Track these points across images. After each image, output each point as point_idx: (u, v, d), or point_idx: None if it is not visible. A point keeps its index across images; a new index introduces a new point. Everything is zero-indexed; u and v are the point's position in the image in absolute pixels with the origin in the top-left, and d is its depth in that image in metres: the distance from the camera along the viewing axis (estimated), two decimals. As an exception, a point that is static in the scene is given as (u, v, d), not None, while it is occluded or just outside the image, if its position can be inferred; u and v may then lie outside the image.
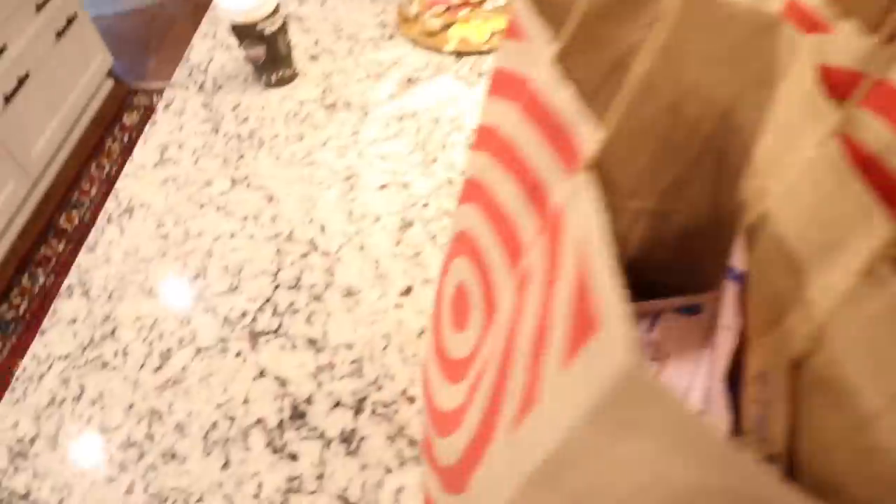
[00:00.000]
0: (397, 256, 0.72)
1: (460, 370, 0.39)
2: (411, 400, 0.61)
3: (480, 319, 0.38)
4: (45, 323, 0.71)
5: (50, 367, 0.67)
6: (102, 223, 0.81)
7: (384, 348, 0.64)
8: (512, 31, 0.37)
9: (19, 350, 1.75)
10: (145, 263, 0.76)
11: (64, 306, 0.73)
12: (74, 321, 0.71)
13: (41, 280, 1.93)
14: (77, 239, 2.03)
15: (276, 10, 0.87)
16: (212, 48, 1.05)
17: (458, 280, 0.44)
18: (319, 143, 0.87)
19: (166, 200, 0.83)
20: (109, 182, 2.19)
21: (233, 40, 0.99)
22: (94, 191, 2.18)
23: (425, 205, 0.77)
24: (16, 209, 2.01)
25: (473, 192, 0.42)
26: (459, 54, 0.97)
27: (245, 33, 0.88)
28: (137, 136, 2.30)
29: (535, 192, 0.32)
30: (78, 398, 0.64)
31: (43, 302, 1.85)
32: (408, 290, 0.69)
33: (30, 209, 2.09)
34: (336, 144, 0.86)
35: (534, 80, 0.33)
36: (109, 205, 0.83)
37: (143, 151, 0.90)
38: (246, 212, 0.79)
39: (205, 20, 1.12)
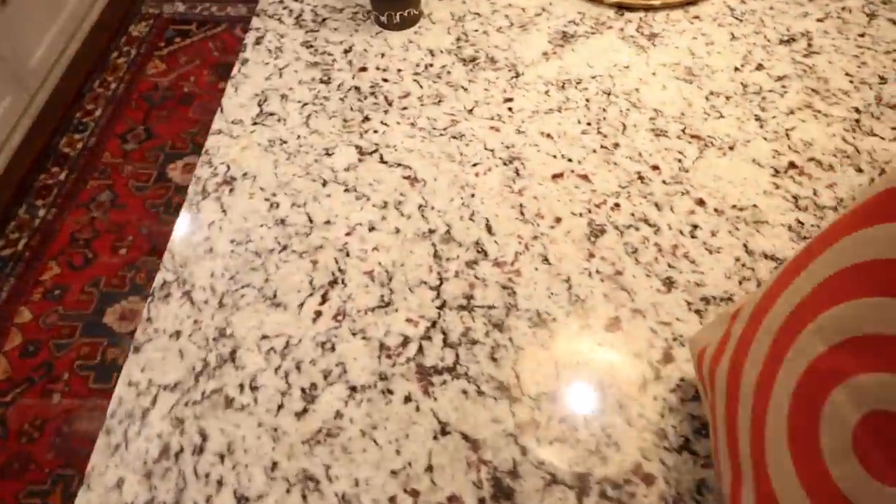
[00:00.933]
0: (593, 275, 0.57)
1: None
2: (648, 480, 0.47)
3: None
4: (139, 335, 0.55)
5: (155, 402, 0.51)
6: (196, 196, 0.64)
7: (598, 403, 0.50)
8: None
9: (19, 294, 1.56)
10: (261, 258, 0.59)
11: (162, 313, 0.56)
12: (178, 335, 0.55)
13: (41, 213, 1.71)
14: (81, 167, 1.81)
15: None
16: (306, -30, 0.85)
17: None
18: (465, 110, 0.70)
19: (276, 172, 0.65)
20: (117, 103, 1.95)
21: (343, -36, 0.79)
22: (98, 111, 1.94)
23: (616, 205, 0.61)
24: (10, 128, 1.77)
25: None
26: (621, 7, 0.79)
27: (377, -42, 0.68)
28: (149, 52, 2.05)
29: None
30: (200, 450, 0.49)
31: (45, 239, 1.65)
32: (615, 323, 0.54)
33: (25, 128, 1.85)
34: (487, 113, 0.69)
35: None
36: (202, 171, 0.66)
37: (235, 101, 0.71)
38: (384, 196, 0.63)
39: (290, -68, 0.91)
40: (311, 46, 0.76)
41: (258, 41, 0.77)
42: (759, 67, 0.73)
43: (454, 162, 0.65)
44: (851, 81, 0.71)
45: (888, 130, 0.67)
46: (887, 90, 0.70)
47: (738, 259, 0.58)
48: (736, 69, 0.73)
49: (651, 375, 0.51)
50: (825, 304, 0.32)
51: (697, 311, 0.55)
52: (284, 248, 0.59)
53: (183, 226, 0.61)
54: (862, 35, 0.76)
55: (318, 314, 0.55)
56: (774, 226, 0.60)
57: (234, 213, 0.62)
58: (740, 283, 0.56)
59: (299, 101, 0.71)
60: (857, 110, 0.68)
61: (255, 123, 0.69)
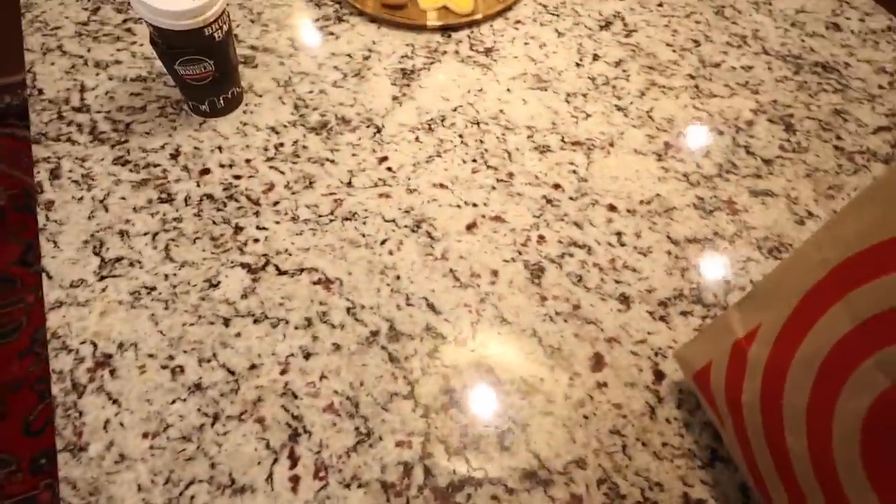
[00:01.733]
0: (555, 318, 0.55)
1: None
2: (702, 508, 0.46)
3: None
4: None
5: None
6: (65, 398, 0.50)
7: (623, 449, 0.48)
8: None
9: None
10: (193, 441, 0.48)
11: None
12: None
13: None
14: None
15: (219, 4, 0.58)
16: (72, 67, 0.70)
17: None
18: (343, 184, 0.62)
19: (159, 329, 0.53)
20: None
21: (145, 52, 0.66)
22: None
23: (540, 238, 0.60)
24: None
25: None
26: (445, 29, 0.77)
27: (185, 42, 0.58)
28: None
29: None
30: None
31: None
32: (598, 360, 0.53)
33: None
34: (367, 181, 0.63)
35: None
36: (60, 363, 0.51)
37: (60, 258, 0.57)
38: (303, 312, 0.54)
39: (29, 24, 0.74)
40: (128, 161, 0.63)
41: (54, 175, 0.62)
42: (596, 58, 0.75)
43: (360, 247, 0.58)
44: (674, 51, 0.76)
45: (723, 88, 0.72)
46: (705, 51, 0.76)
47: (669, 252, 0.59)
48: (577, 64, 0.74)
49: (654, 400, 0.51)
50: (883, 340, 0.32)
51: (662, 318, 0.55)
52: (216, 417, 0.49)
53: (66, 441, 0.48)
54: (660, 5, 0.82)
55: (296, 480, 0.46)
56: (682, 208, 0.62)
57: (130, 400, 0.49)
58: (682, 274, 0.58)
59: (146, 233, 0.58)
60: (692, 76, 0.73)
61: (102, 278, 0.56)
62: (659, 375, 0.52)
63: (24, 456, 1.24)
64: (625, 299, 0.56)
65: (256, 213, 0.60)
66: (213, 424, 0.48)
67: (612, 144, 0.67)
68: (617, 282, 0.57)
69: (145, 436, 0.48)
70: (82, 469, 0.46)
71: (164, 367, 0.51)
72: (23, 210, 1.59)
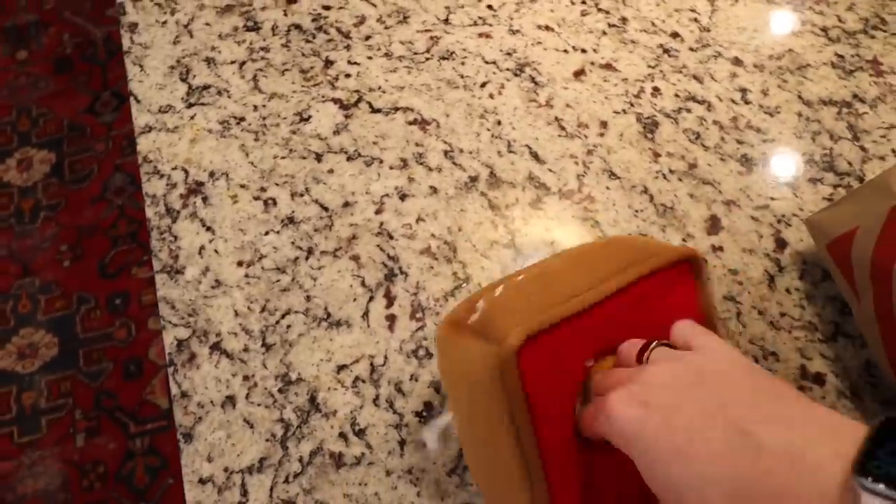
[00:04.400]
0: (669, 176, 0.50)
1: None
2: (818, 380, 0.44)
3: None
4: (181, 418, 0.42)
5: (246, 493, 0.40)
6: (160, 221, 0.49)
7: (738, 314, 0.45)
8: None
9: None
10: (287, 273, 0.47)
11: (196, 381, 0.43)
12: (232, 402, 0.43)
13: None
14: None
15: None
16: None
17: None
18: (440, 21, 0.57)
19: (250, 160, 0.51)
20: None
21: None
22: None
23: (655, 90, 0.54)
24: None
25: None
26: None
27: None
28: None
29: None
30: (337, 529, 0.39)
31: None
32: (713, 223, 0.49)
33: None
34: (466, 19, 0.57)
35: None
36: (153, 187, 0.50)
37: (147, 82, 0.54)
38: (398, 152, 0.51)
39: None
40: (213, -16, 0.59)
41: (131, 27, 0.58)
42: None
43: (458, 88, 0.54)
44: None
45: (877, -67, 0.63)
46: None
47: (799, 114, 0.53)
48: None
49: (773, 269, 0.47)
50: None
51: (788, 184, 0.50)
52: (310, 252, 0.47)
53: (163, 263, 0.47)
54: None
55: (392, 319, 0.45)
56: (817, 66, 0.55)
57: (223, 228, 0.48)
58: (813, 138, 0.52)
59: (234, 62, 0.55)
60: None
61: (190, 105, 0.53)
62: (781, 244, 0.48)
63: (100, 294, 1.30)
64: (746, 160, 0.51)
65: (347, 47, 0.56)
66: (307, 258, 0.47)
67: (741, -9, 0.59)
68: (739, 142, 0.52)
69: (240, 264, 0.47)
70: (179, 290, 0.46)
71: (256, 199, 0.49)
72: (89, 60, 1.57)
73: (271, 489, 0.40)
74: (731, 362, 0.28)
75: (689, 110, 0.53)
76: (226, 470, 0.41)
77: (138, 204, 1.38)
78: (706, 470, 0.24)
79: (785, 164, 0.51)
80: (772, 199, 0.50)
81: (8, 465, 1.19)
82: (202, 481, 0.41)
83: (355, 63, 0.55)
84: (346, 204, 0.49)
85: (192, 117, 0.52)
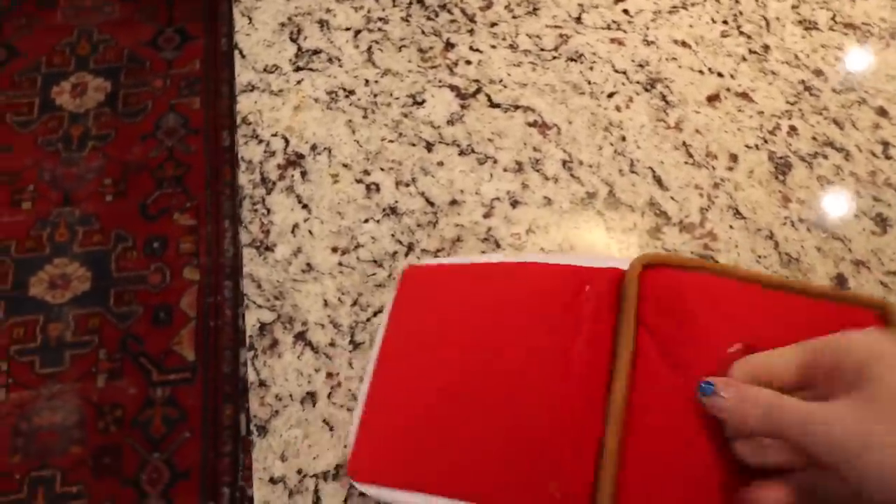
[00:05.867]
0: (797, 224, 0.47)
1: None
2: None
3: None
4: (256, 409, 0.40)
5: (319, 499, 0.38)
6: (253, 190, 0.46)
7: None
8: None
9: None
10: (384, 268, 0.44)
11: (276, 370, 0.41)
12: (313, 399, 0.40)
13: None
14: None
15: None
16: None
17: None
18: (571, 19, 0.54)
19: (356, 138, 0.48)
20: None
21: None
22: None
23: (791, 129, 0.50)
24: None
25: None
26: None
27: None
28: None
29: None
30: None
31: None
32: (839, 282, 0.45)
33: None
34: (600, 20, 0.54)
35: None
36: (249, 151, 0.47)
37: (255, 37, 0.51)
38: (514, 154, 0.48)
39: None
40: (335, -57, 0.55)
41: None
42: (892, -76, 0.60)
43: (584, 94, 0.50)
44: None
45: None
46: None
47: (944, 178, 0.49)
48: (867, -71, 0.60)
49: (901, 343, 0.44)
50: None
51: (925, 253, 0.46)
52: (410, 248, 0.44)
53: (253, 237, 0.44)
54: None
55: (490, 335, 0.42)
56: (968, 130, 0.51)
57: (320, 208, 0.45)
58: (957, 209, 0.48)
59: (348, 28, 0.52)
60: None
61: (298, 69, 0.50)
62: (912, 317, 0.44)
63: (139, 235, 1.28)
64: (882, 221, 0.47)
65: (471, 31, 0.52)
66: (406, 254, 0.44)
67: (893, 36, 0.55)
68: (876, 199, 0.48)
69: (335, 250, 0.44)
70: (268, 270, 0.43)
71: (358, 181, 0.46)
72: (158, -8, 1.53)
73: (346, 500, 0.38)
74: None
75: (825, 156, 0.49)
76: (299, 472, 0.38)
77: (188, 147, 1.35)
78: None
79: (925, 232, 0.47)
80: (907, 267, 0.46)
81: (26, 394, 1.18)
82: (273, 481, 0.38)
83: (477, 50, 0.51)
84: (454, 202, 0.46)
85: (298, 82, 0.49)
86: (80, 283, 1.25)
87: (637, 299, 0.32)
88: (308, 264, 0.44)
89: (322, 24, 0.52)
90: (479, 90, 0.50)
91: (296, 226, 0.45)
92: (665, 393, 0.31)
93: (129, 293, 1.24)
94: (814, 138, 0.50)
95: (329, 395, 0.40)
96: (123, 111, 1.39)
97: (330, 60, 0.50)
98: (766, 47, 0.54)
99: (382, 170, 0.47)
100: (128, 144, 1.36)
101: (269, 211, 0.45)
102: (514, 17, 0.53)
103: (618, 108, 0.50)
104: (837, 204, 0.48)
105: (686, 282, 0.32)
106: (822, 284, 0.33)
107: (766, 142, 0.50)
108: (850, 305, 0.33)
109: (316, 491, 0.38)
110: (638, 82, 0.51)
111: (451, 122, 0.48)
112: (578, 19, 0.53)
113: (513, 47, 0.52)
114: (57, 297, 1.25)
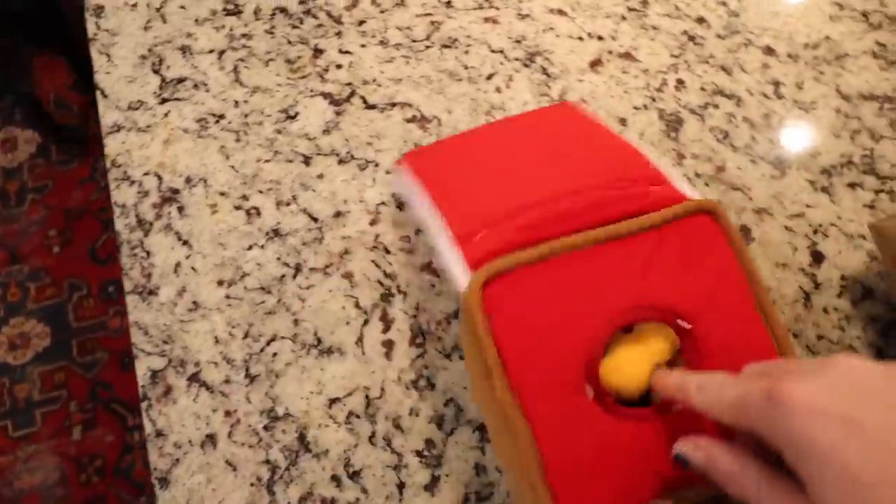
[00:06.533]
0: (694, 180, 0.46)
1: None
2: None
3: None
4: (155, 460, 0.38)
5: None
6: (130, 234, 0.44)
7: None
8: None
9: None
10: (273, 294, 0.42)
11: (172, 417, 0.39)
12: (213, 441, 0.39)
13: None
14: None
15: None
16: None
17: None
18: (441, 4, 0.52)
19: (231, 164, 0.46)
20: None
21: None
22: None
23: (679, 83, 0.49)
24: None
25: None
26: None
27: None
28: None
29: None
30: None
31: None
32: (744, 233, 0.44)
33: None
34: (470, 1, 0.52)
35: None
36: (122, 195, 0.45)
37: (115, 74, 0.49)
38: (395, 153, 0.46)
39: None
40: (190, -37, 0.53)
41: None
42: None
43: (461, 80, 0.49)
44: None
45: None
46: None
47: (837, 110, 0.48)
48: None
49: (809, 285, 0.43)
50: None
51: (824, 189, 0.45)
52: (298, 269, 0.43)
53: (134, 283, 0.43)
54: None
55: (389, 345, 0.41)
56: (857, 56, 0.50)
57: (201, 242, 0.44)
58: (853, 137, 0.47)
59: (211, 50, 0.50)
60: None
61: (164, 101, 0.48)
62: (817, 257, 0.43)
63: (92, 281, 1.26)
64: (780, 163, 0.46)
65: (338, 34, 0.50)
66: (294, 276, 0.43)
67: (774, -31, 0.53)
68: (771, 142, 0.47)
69: (220, 283, 0.43)
70: (153, 314, 0.42)
71: (237, 208, 0.45)
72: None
73: (256, 539, 0.37)
74: None
75: (716, 105, 0.48)
76: (206, 517, 0.37)
77: (128, 186, 1.32)
78: None
79: (822, 167, 0.46)
80: (807, 206, 0.45)
81: (3, 460, 1.16)
82: (181, 530, 0.37)
83: (347, 52, 0.50)
84: (338, 213, 0.44)
85: (165, 115, 0.47)
86: (39, 339, 1.23)
87: (483, 318, 0.30)
88: (194, 302, 0.42)
89: (184, 50, 0.50)
90: (352, 93, 0.48)
91: (178, 264, 0.43)
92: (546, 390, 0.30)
93: (91, 341, 1.22)
94: (702, 89, 0.49)
95: (229, 435, 0.39)
96: (57, 159, 1.36)
97: (196, 87, 0.48)
98: (645, 2, 0.52)
99: (261, 192, 0.45)
100: (67, 192, 1.33)
101: (148, 253, 0.43)
102: (381, 12, 0.51)
103: (498, 90, 0.48)
104: (733, 153, 0.47)
105: (528, 279, 0.31)
106: (650, 215, 0.32)
107: (654, 100, 0.48)
108: (684, 218, 0.33)
109: (225, 536, 0.37)
110: (517, 59, 0.50)
111: (327, 132, 0.47)
112: (448, 3, 0.52)
113: (384, 43, 0.50)
114: (19, 358, 1.22)
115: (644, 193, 0.34)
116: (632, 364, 0.31)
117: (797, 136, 0.47)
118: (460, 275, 0.32)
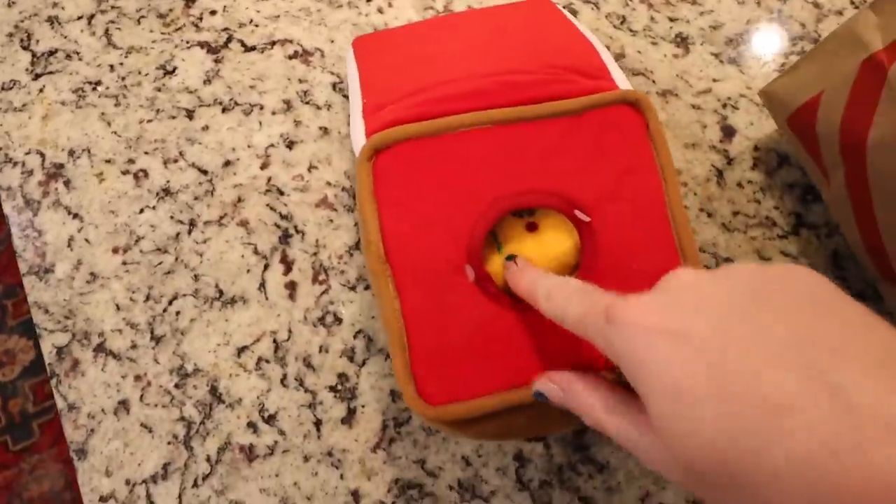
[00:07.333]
0: (592, 73, 0.43)
1: None
2: (779, 283, 0.38)
3: None
4: (71, 434, 0.38)
5: (154, 507, 0.36)
6: (18, 216, 0.43)
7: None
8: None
9: None
10: (170, 253, 0.41)
11: (82, 390, 0.38)
12: (126, 407, 0.38)
13: None
14: None
15: None
16: None
17: None
18: (314, -69, 0.49)
19: (113, 129, 0.44)
20: None
21: None
22: None
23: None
24: None
25: None
26: None
27: None
28: None
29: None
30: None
31: None
32: (646, 120, 0.42)
33: None
34: (345, -78, 0.49)
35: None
36: (6, 177, 0.44)
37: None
38: (280, 94, 0.44)
39: None
40: (48, -71, 0.50)
41: None
42: None
43: (341, 7, 0.46)
44: None
45: None
46: None
47: (738, -25, 0.45)
48: None
49: (721, 162, 0.41)
50: None
51: (732, 61, 0.43)
52: (192, 224, 0.41)
53: (29, 264, 0.41)
54: None
55: (292, 286, 0.40)
56: (755, -84, 0.47)
57: (92, 213, 0.42)
58: (758, 2, 0.45)
59: (80, 17, 0.48)
60: None
61: (37, 76, 0.46)
62: (728, 132, 0.41)
63: None
64: (682, 41, 0.44)
65: (210, -22, 0.48)
66: (189, 232, 0.41)
67: None
68: (671, 19, 0.45)
69: (115, 251, 0.41)
70: (52, 292, 0.41)
71: (124, 173, 0.43)
72: None
73: (180, 496, 0.36)
74: (800, 281, 0.20)
75: (610, -9, 0.46)
76: (128, 483, 0.37)
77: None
78: None
79: (727, 38, 0.44)
80: (714, 80, 0.43)
81: (9, 474, 1.17)
82: (103, 499, 0.36)
83: (220, -3, 0.47)
84: (227, 163, 0.43)
85: (40, 90, 0.45)
86: (24, 353, 1.23)
87: (367, 187, 0.30)
88: (91, 273, 0.41)
89: (52, 20, 0.47)
90: (230, 38, 0.46)
91: (71, 239, 0.42)
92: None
93: (75, 348, 1.22)
94: (594, -24, 0.46)
95: (141, 398, 0.38)
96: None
97: (68, 57, 0.46)
98: None
99: (147, 153, 0.43)
100: None
101: (40, 233, 0.42)
102: (252, -51, 0.49)
103: (380, 10, 0.46)
104: (632, 37, 0.44)
105: (420, 152, 0.30)
106: (568, 101, 0.30)
107: (543, -4, 0.46)
108: (605, 108, 0.31)
109: (148, 496, 0.36)
110: (397, -24, 0.47)
111: (207, 82, 0.45)
112: (321, -71, 0.49)
113: (257, -19, 0.48)
114: (7, 374, 1.23)
115: (570, 81, 0.32)
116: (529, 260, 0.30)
117: (698, 10, 0.45)
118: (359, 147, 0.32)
